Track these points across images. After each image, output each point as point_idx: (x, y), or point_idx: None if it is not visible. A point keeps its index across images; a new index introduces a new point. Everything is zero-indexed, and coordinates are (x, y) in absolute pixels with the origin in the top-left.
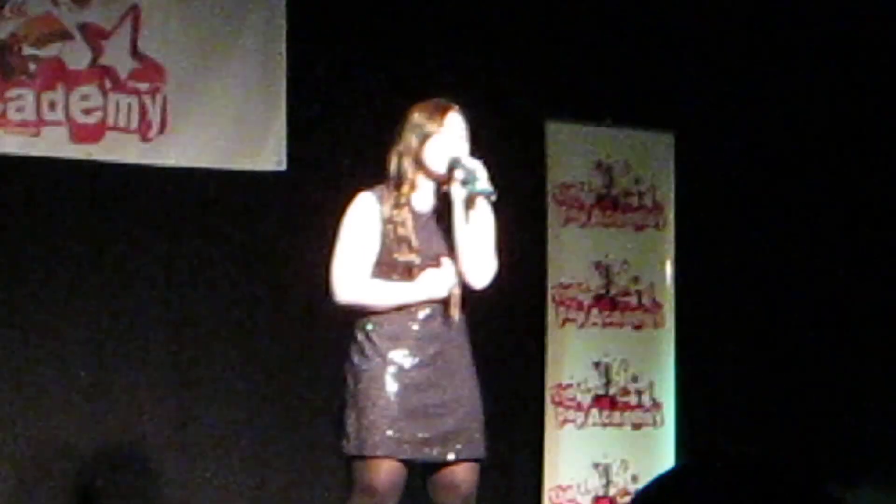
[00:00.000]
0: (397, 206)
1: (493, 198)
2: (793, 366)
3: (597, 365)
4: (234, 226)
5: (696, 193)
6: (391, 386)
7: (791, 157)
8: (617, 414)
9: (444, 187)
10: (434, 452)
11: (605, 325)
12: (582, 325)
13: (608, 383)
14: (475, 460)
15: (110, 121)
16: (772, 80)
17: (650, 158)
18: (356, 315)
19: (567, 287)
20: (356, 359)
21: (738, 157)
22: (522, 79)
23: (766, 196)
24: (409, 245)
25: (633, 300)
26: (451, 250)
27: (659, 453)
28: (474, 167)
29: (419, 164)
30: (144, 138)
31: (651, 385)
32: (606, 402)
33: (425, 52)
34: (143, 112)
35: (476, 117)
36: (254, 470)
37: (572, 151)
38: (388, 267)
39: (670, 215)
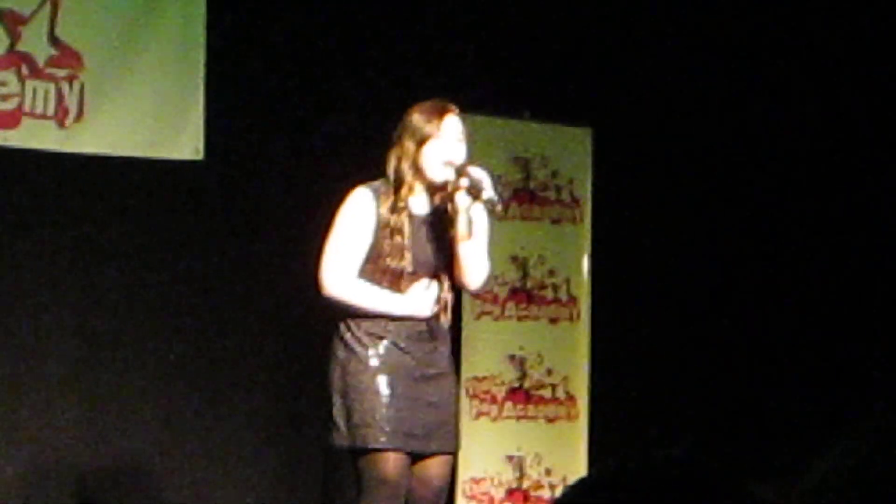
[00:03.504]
0: (395, 209)
1: (500, 206)
2: (706, 361)
3: (512, 358)
4: (151, 214)
5: (613, 188)
6: (378, 379)
7: (706, 152)
8: (531, 407)
9: (441, 193)
10: (417, 445)
11: (520, 318)
12: (497, 318)
13: (523, 376)
14: (450, 454)
15: (27, 107)
16: (688, 74)
17: (568, 152)
18: (335, 310)
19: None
20: (341, 353)
21: (654, 152)
22: (440, 70)
23: (683, 191)
24: (403, 253)
25: (549, 294)
26: (444, 257)
27: (572, 447)
28: (481, 176)
29: (417, 169)
30: (61, 125)
31: (565, 379)
32: (521, 395)
33: (343, 39)
34: (60, 99)
35: (394, 107)
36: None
37: (490, 144)
38: (377, 270)
39: (587, 210)
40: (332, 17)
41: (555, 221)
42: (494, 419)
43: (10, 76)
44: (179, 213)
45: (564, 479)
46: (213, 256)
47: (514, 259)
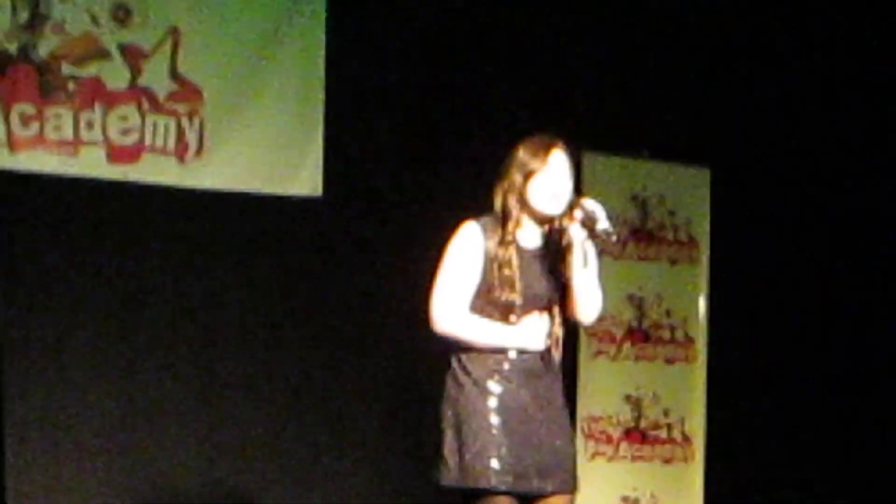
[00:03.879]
0: (503, 243)
1: (615, 238)
2: (824, 404)
3: (628, 398)
4: (270, 251)
5: (730, 229)
6: (491, 416)
7: (822, 192)
8: (647, 448)
9: (547, 226)
10: (533, 484)
11: (637, 358)
12: (614, 358)
13: (639, 417)
14: (570, 493)
15: (147, 142)
16: (805, 115)
17: (686, 192)
18: (448, 345)
19: (601, 319)
20: (453, 390)
21: (771, 192)
22: (561, 108)
23: (799, 232)
24: (513, 285)
25: (666, 334)
26: (554, 290)
27: (689, 488)
28: (594, 207)
29: (523, 202)
30: (181, 160)
31: (682, 420)
32: (637, 435)
33: (465, 80)
34: (180, 134)
35: (514, 145)
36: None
37: (608, 183)
38: (487, 303)
39: (704, 250)
40: (451, 55)
41: (672, 261)
42: (610, 459)
43: (131, 111)
44: (297, 250)
45: None
46: (330, 293)
47: (631, 298)
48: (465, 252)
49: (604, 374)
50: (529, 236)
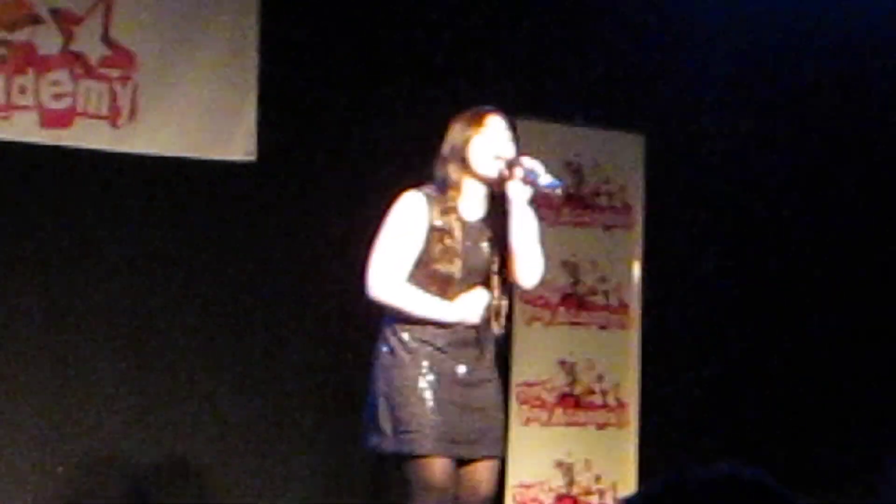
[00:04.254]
0: (445, 212)
1: (561, 191)
2: (756, 368)
3: (562, 364)
4: (203, 215)
5: (664, 195)
6: (423, 383)
7: (760, 160)
8: (581, 413)
9: (497, 189)
10: (464, 449)
11: (571, 324)
12: (548, 324)
13: (573, 382)
14: (497, 458)
15: (80, 107)
16: (742, 82)
17: (620, 159)
18: (382, 313)
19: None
20: (386, 357)
21: (705, 158)
22: (493, 74)
23: (733, 198)
24: (453, 257)
25: (600, 300)
26: (496, 263)
27: (622, 453)
28: (532, 165)
29: (465, 166)
30: (114, 125)
31: (616, 385)
32: (571, 401)
33: (399, 43)
34: (113, 99)
35: (444, 111)
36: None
37: (543, 149)
38: (427, 275)
39: (639, 216)
40: (384, 21)
41: (606, 228)
42: (545, 425)
43: (63, 76)
44: (230, 215)
45: (614, 486)
46: (264, 258)
47: (566, 264)
48: (407, 221)
49: (538, 339)
50: (472, 208)
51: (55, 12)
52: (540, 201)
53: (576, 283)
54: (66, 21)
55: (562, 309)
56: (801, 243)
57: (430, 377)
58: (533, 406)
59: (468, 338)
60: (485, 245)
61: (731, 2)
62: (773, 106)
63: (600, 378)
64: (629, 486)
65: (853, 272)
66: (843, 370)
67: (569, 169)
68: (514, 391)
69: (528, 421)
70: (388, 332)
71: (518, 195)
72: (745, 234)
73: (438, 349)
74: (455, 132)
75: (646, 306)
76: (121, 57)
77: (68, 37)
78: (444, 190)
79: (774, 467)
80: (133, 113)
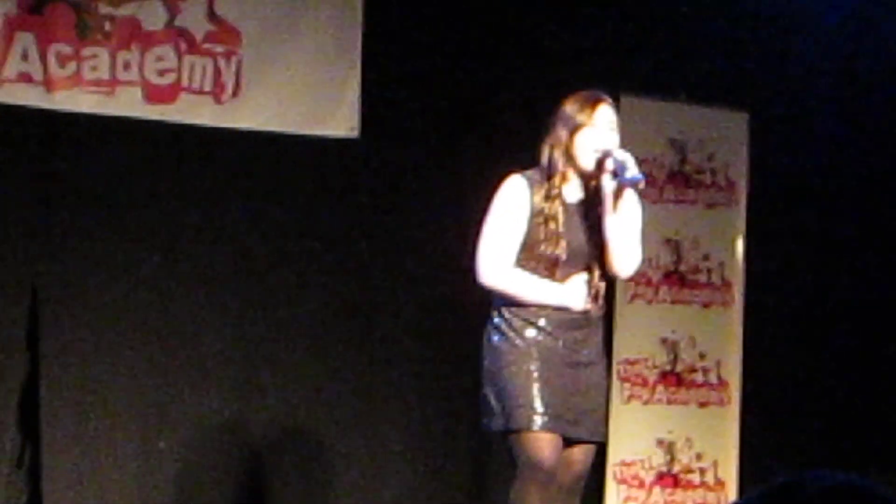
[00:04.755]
0: (549, 197)
1: (642, 185)
2: (860, 347)
3: (664, 341)
4: (306, 191)
5: (768, 173)
6: (531, 363)
7: (863, 140)
8: (683, 391)
9: (593, 181)
10: (568, 429)
11: (673, 301)
12: (650, 301)
13: (675, 360)
14: (598, 441)
15: (184, 82)
16: (848, 62)
17: (724, 136)
18: (489, 296)
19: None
20: (495, 338)
21: (810, 137)
22: (598, 52)
23: (838, 178)
24: (558, 240)
25: (703, 278)
26: (596, 245)
27: (724, 432)
28: (624, 158)
29: (569, 157)
30: (218, 101)
31: (718, 363)
32: (673, 378)
33: (501, 22)
34: (217, 75)
35: (551, 92)
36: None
37: (646, 126)
38: (532, 257)
39: (742, 194)
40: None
41: (709, 205)
42: (646, 402)
43: (168, 51)
44: (334, 191)
45: (714, 464)
46: (367, 236)
47: (668, 242)
48: (511, 206)
49: (640, 317)
50: (573, 191)
51: None
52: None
53: (678, 260)
54: None
55: (664, 287)
56: None
57: (537, 358)
58: (634, 384)
59: (575, 320)
60: (586, 228)
61: None
62: (880, 87)
63: (702, 356)
64: (730, 465)
65: None
66: None
67: (672, 146)
68: (615, 368)
69: (629, 398)
70: (495, 315)
71: (608, 187)
72: (849, 214)
73: (546, 331)
74: (563, 119)
75: (748, 284)
76: (225, 32)
77: (173, 12)
78: (548, 175)
79: (874, 448)
80: (237, 89)
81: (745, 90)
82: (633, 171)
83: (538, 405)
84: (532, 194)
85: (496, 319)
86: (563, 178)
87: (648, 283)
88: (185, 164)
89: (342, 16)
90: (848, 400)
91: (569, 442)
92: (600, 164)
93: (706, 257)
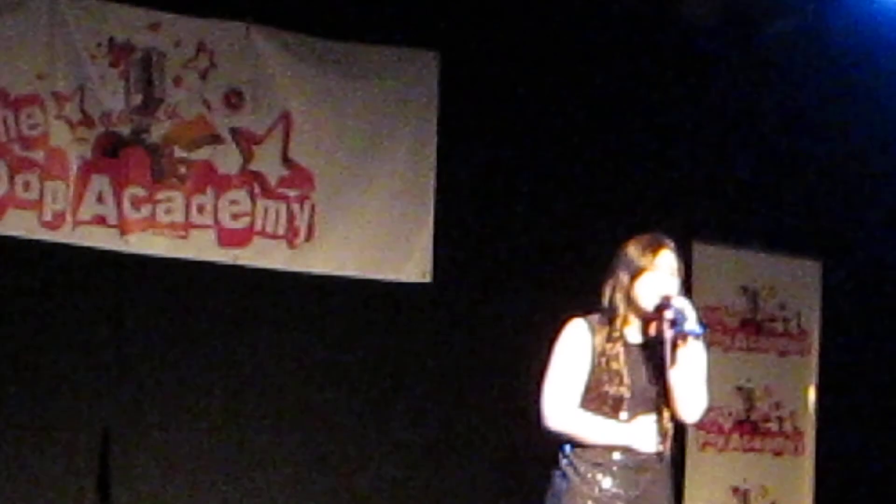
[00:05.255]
0: (610, 339)
1: (701, 338)
2: None
3: (735, 490)
4: (378, 334)
5: (841, 321)
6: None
7: None
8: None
9: (650, 326)
10: None
11: (745, 450)
12: (722, 450)
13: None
14: None
15: (258, 226)
16: None
17: (796, 284)
18: (555, 439)
19: (709, 410)
20: (559, 482)
21: (883, 285)
22: (671, 200)
23: None
24: (621, 380)
25: (775, 426)
26: (660, 385)
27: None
28: (683, 307)
29: (630, 300)
30: (291, 245)
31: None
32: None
33: (575, 169)
34: (290, 218)
35: (623, 243)
36: None
37: (719, 275)
38: (596, 398)
39: (815, 342)
40: (560, 144)
41: (782, 353)
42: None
43: (242, 195)
44: (406, 335)
45: None
46: (438, 379)
47: (740, 390)
48: (573, 348)
49: (711, 465)
50: (635, 332)
51: (235, 131)
52: (714, 324)
53: (750, 409)
54: (245, 140)
55: (735, 435)
56: None
57: (602, 501)
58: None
59: (643, 462)
60: (650, 369)
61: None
62: None
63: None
64: None
65: None
66: None
67: (744, 293)
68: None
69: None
70: (561, 457)
71: (668, 336)
72: None
73: (611, 473)
74: (626, 262)
75: (820, 434)
76: (299, 177)
77: (248, 156)
78: (609, 318)
79: None
80: (310, 233)
81: (817, 237)
82: (691, 321)
83: None
84: (593, 336)
85: (562, 463)
86: (625, 320)
87: (720, 430)
88: (259, 308)
89: (415, 162)
90: None
91: None
92: (660, 310)
93: (778, 406)
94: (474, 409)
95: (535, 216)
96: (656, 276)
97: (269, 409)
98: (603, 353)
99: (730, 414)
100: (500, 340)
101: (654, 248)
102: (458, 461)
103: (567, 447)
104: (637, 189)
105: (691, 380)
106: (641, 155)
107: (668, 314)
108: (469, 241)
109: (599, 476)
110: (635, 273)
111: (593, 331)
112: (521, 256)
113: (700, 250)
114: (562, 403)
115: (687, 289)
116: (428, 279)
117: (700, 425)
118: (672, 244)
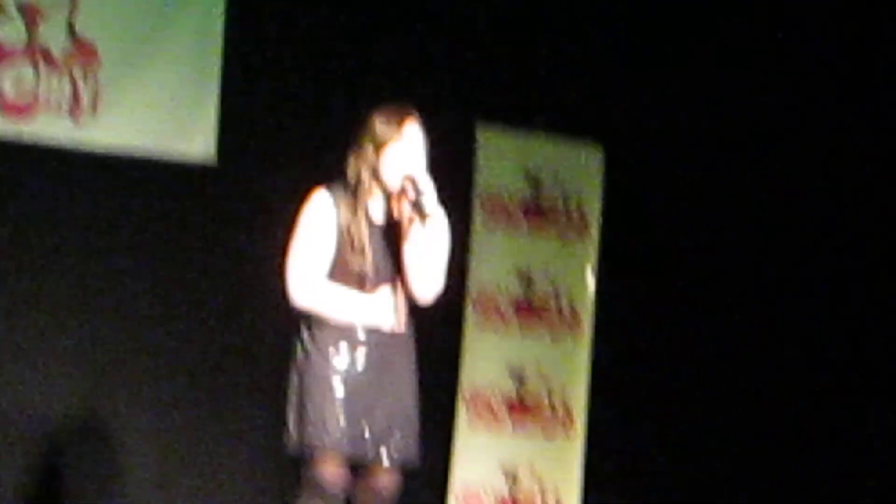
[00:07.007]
0: (354, 213)
1: (426, 220)
2: (708, 385)
3: (512, 371)
4: (160, 214)
5: (621, 206)
6: (332, 385)
7: (717, 170)
8: (529, 421)
9: (394, 202)
10: (368, 450)
11: (522, 332)
12: (499, 331)
13: (522, 389)
14: (404, 466)
15: (42, 100)
16: (698, 92)
17: (578, 169)
18: (297, 313)
19: (488, 293)
20: (300, 357)
21: (664, 171)
22: (454, 81)
23: (691, 210)
24: (364, 254)
25: (553, 309)
26: (399, 264)
27: (568, 464)
28: (422, 184)
29: (375, 174)
30: (75, 119)
31: (564, 395)
32: (519, 408)
33: (361, 47)
34: (74, 93)
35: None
36: (191, 470)
37: (502, 158)
38: (341, 273)
39: (595, 226)
40: (352, 20)
41: (562, 237)
42: (492, 430)
43: (26, 68)
44: (187, 214)
45: (556, 490)
46: (217, 258)
47: (520, 273)
48: (318, 223)
49: (489, 346)
50: (378, 208)
51: (21, 6)
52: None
53: (529, 291)
54: (31, 14)
55: (514, 317)
56: (761, 253)
57: (340, 377)
58: (481, 412)
59: (381, 339)
60: (389, 247)
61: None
62: (732, 112)
63: (549, 387)
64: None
65: (814, 271)
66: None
67: (526, 178)
68: (462, 396)
69: (475, 426)
70: (302, 330)
71: (406, 211)
72: (699, 244)
73: (350, 348)
74: (369, 136)
75: (598, 317)
76: (84, 51)
77: (33, 30)
78: (353, 192)
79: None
80: (94, 107)
81: (599, 123)
82: (430, 200)
83: (332, 428)
84: (337, 209)
85: (304, 338)
86: (368, 192)
87: (498, 312)
88: (41, 182)
89: (202, 36)
90: (693, 436)
91: (372, 464)
92: (404, 188)
93: (556, 289)
94: (249, 288)
95: (321, 92)
96: (401, 150)
97: (46, 287)
98: (347, 228)
99: (509, 297)
100: (283, 219)
101: (399, 120)
102: (239, 342)
103: (309, 321)
104: (419, 68)
105: (427, 258)
106: (426, 34)
107: (410, 192)
108: (255, 117)
109: (336, 350)
110: (380, 146)
111: (337, 202)
112: (307, 134)
113: (483, 133)
114: (308, 277)
115: (469, 172)
116: (211, 156)
117: (479, 306)
118: (417, 116)
